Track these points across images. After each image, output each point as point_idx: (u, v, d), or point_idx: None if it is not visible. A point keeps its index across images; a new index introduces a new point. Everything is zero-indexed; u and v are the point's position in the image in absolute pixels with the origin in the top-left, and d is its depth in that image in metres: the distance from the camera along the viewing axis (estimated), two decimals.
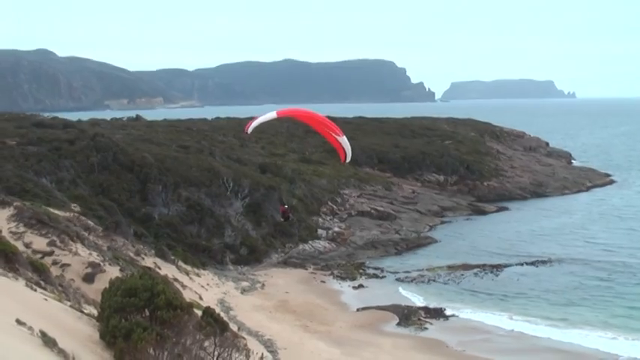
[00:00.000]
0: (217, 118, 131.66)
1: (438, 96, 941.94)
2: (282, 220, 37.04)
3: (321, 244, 67.89)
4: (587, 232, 76.01)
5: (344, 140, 27.02)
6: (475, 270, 60.82)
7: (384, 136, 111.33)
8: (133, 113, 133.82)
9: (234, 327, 36.24)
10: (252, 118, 28.25)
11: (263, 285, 55.99)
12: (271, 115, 27.48)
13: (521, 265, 62.62)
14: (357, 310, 50.85)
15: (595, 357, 41.85)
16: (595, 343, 43.81)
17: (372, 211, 79.12)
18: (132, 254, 49.23)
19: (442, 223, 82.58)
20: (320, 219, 73.45)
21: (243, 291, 53.61)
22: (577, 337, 44.90)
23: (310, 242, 67.50)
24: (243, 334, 35.96)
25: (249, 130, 27.99)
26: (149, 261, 49.59)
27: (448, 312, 50.08)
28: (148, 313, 20.32)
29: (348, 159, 27.57)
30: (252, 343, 35.40)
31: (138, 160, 67.50)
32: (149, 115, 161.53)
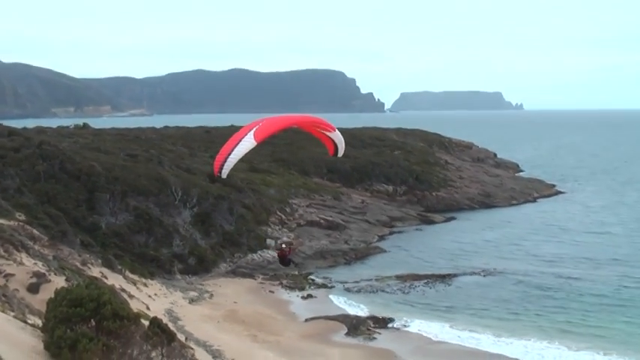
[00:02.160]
0: (166, 127, 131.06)
1: (387, 106, 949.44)
2: (281, 265, 30.63)
3: (270, 254, 67.69)
4: (532, 243, 76.87)
5: (336, 135, 25.73)
6: (424, 280, 61.14)
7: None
8: (80, 121, 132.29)
9: (181, 337, 36.01)
10: (220, 154, 23.05)
11: (211, 295, 55.66)
12: (247, 144, 23.01)
13: (469, 275, 63.09)
14: (306, 320, 50.84)
15: None
16: (539, 353, 44.31)
17: (322, 221, 79.21)
18: (78, 264, 48.59)
19: (391, 233, 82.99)
20: (269, 228, 73.30)
21: (192, 301, 53.24)
22: (521, 348, 45.30)
23: (259, 252, 67.25)
24: (191, 345, 35.74)
25: (224, 173, 23.26)
26: (96, 271, 49.03)
27: (397, 322, 50.31)
28: (94, 324, 20.15)
29: (340, 153, 26.35)
30: (200, 354, 35.22)
31: (85, 168, 66.66)
32: (97, 123, 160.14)
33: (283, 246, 29.64)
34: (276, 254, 29.83)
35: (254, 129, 23.03)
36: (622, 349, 44.54)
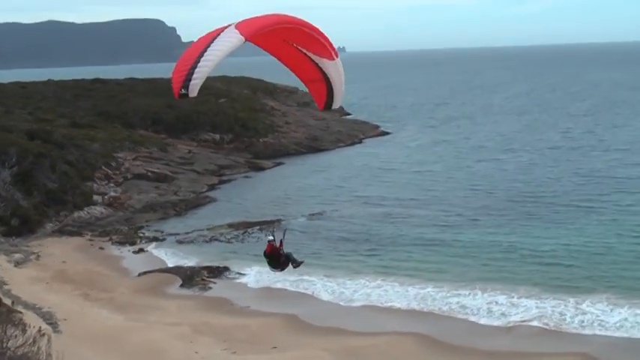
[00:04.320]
0: None
1: None
2: (274, 269, 22.28)
3: (97, 210, 66.32)
4: (356, 184, 78.66)
5: (335, 68, 18.09)
6: (256, 227, 61.45)
7: (156, 97, 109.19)
8: None
9: (8, 301, 34.93)
10: (181, 64, 15.92)
11: (38, 256, 53.97)
12: (230, 42, 15.97)
13: (299, 219, 64.02)
14: (139, 274, 50.38)
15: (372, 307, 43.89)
16: (367, 292, 45.85)
17: (149, 173, 78.11)
18: None
19: (220, 182, 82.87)
20: (95, 184, 71.53)
21: (17, 264, 51.48)
22: (354, 287, 46.66)
23: (86, 209, 65.66)
24: (19, 309, 34.76)
25: (193, 86, 15.63)
26: None
27: (232, 270, 50.64)
28: None
29: (337, 102, 18.98)
30: (30, 317, 34.29)
31: None
32: None
33: (270, 238, 21.80)
34: (263, 252, 21.82)
35: (232, 24, 16.40)
36: (439, 280, 46.62)
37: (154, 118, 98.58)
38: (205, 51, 15.86)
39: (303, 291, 46.79)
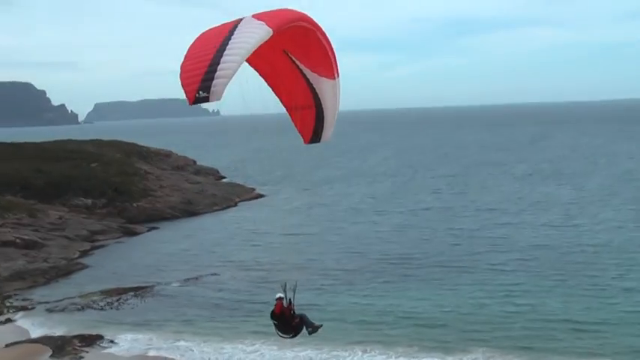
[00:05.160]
0: None
1: (81, 118, 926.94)
2: (284, 334, 19.69)
3: None
4: (230, 249, 78.40)
5: (333, 89, 16.01)
6: (130, 293, 60.52)
7: (24, 162, 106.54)
8: None
9: None
10: (189, 71, 13.31)
11: None
12: (258, 34, 13.60)
13: (173, 285, 63.24)
14: (7, 345, 48.61)
15: None
16: (248, 357, 45.75)
17: (17, 240, 75.75)
18: None
19: (93, 248, 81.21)
20: None
21: None
22: (231, 351, 46.50)
23: None
24: None
25: (218, 85, 12.85)
26: None
27: (105, 338, 49.50)
28: None
29: (327, 134, 16.80)
30: None
31: None
32: None
33: (279, 295, 19.71)
34: (270, 313, 19.39)
35: (247, 17, 14.29)
36: (318, 342, 46.60)
37: (23, 184, 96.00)
38: (227, 45, 13.17)
39: (179, 358, 46.14)
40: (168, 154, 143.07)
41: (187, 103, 13.38)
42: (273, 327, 19.20)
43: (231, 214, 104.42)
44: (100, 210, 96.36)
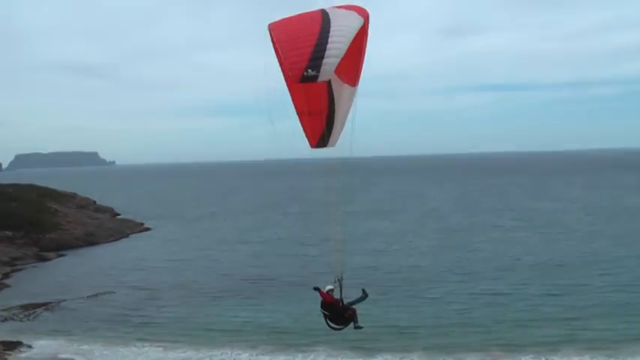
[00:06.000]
0: None
1: (5, 166, 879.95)
2: (337, 325, 16.34)
3: None
4: (120, 272, 75.73)
5: (351, 95, 13.02)
6: (43, 307, 58.81)
7: None
8: None
9: None
10: (292, 50, 11.11)
11: None
12: (355, 22, 11.51)
13: (79, 300, 61.73)
14: None
15: None
16: (138, 358, 45.21)
17: None
18: None
19: (13, 271, 78.00)
20: None
21: None
22: (131, 354, 46.16)
23: None
24: None
25: (328, 70, 10.91)
26: None
27: (24, 344, 48.05)
28: None
29: (334, 139, 13.59)
30: None
31: None
32: None
33: (330, 287, 16.46)
34: (320, 303, 16.31)
35: (330, 6, 11.92)
36: (194, 344, 47.05)
37: None
38: (328, 28, 10.98)
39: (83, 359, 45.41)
40: (73, 196, 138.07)
41: (286, 80, 11.13)
42: (323, 318, 16.17)
43: (124, 244, 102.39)
44: (19, 240, 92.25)
